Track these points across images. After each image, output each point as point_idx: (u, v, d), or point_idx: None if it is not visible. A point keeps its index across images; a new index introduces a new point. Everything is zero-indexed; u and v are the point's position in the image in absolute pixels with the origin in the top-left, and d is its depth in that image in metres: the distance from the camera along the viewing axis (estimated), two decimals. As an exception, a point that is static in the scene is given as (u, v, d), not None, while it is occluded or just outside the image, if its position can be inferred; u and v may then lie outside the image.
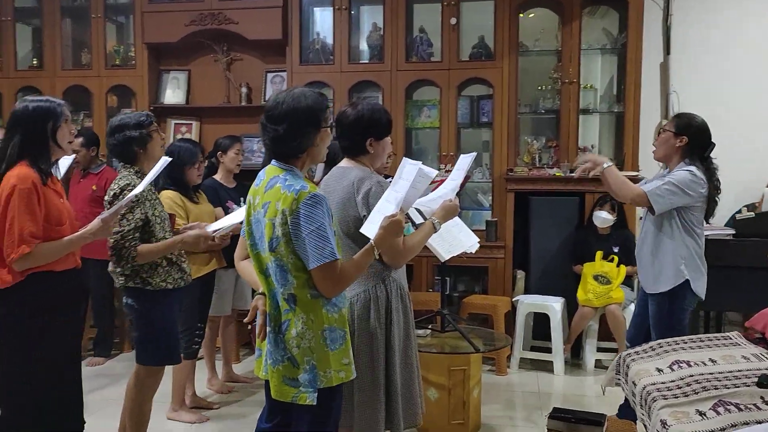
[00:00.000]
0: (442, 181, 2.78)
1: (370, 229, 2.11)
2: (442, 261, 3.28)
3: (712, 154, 3.10)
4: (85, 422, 2.63)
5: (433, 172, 2.26)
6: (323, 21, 5.29)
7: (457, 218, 3.42)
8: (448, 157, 4.94)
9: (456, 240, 3.31)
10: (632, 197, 3.06)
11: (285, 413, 2.11)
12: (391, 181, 2.33)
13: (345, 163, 2.45)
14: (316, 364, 1.97)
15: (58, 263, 2.41)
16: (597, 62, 5.19)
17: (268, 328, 2.04)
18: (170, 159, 2.83)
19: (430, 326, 3.55)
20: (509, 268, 4.83)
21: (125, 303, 2.89)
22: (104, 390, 4.02)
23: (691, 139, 3.03)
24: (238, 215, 3.28)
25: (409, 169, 2.20)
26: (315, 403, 1.96)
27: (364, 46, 5.30)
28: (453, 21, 4.93)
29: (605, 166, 3.10)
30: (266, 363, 2.05)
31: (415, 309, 4.43)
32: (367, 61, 5.23)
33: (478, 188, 5.20)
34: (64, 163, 3.92)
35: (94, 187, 4.54)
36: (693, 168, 2.99)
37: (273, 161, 2.05)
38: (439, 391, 3.36)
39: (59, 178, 2.71)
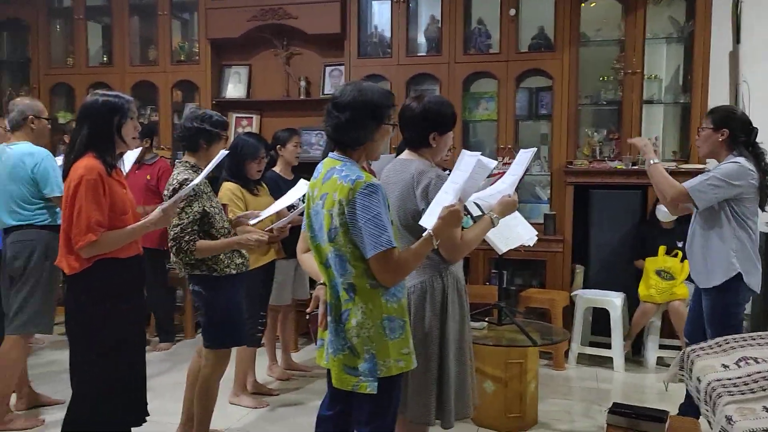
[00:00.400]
0: (501, 174, 2.76)
1: (429, 220, 2.12)
2: (500, 254, 3.27)
3: (758, 140, 3.01)
4: (147, 404, 2.72)
5: (492, 163, 2.24)
6: (381, 14, 5.32)
7: (515, 211, 3.40)
8: (505, 150, 4.91)
9: (514, 233, 3.30)
10: (673, 195, 3.00)
11: (346, 401, 2.14)
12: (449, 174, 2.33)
13: (406, 155, 2.46)
14: (376, 353, 2.00)
15: (122, 250, 2.50)
16: (662, 52, 5.04)
17: (328, 318, 2.07)
18: (228, 152, 2.91)
19: (486, 319, 3.54)
20: (568, 262, 4.76)
21: (192, 290, 3.00)
22: (167, 374, 4.17)
23: (732, 131, 2.98)
24: (284, 201, 3.35)
25: (467, 160, 2.19)
26: (375, 392, 1.99)
27: (421, 38, 5.30)
28: (512, 12, 4.88)
29: (652, 162, 3.06)
30: (327, 352, 2.08)
31: (471, 302, 4.45)
32: (424, 54, 5.22)
33: (536, 181, 5.14)
34: (130, 156, 4.10)
35: (148, 177, 4.69)
36: (740, 159, 2.93)
37: (330, 153, 2.09)
38: (496, 384, 3.35)
39: (124, 170, 2.84)
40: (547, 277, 4.80)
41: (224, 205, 3.21)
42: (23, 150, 3.35)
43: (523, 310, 4.45)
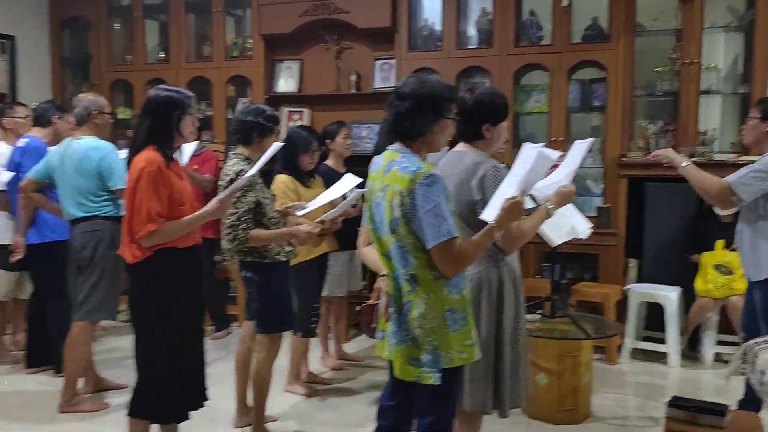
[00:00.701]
0: (556, 166, 2.75)
1: (491, 213, 2.12)
2: (553, 246, 3.26)
3: None
4: (206, 388, 2.80)
5: (555, 154, 2.24)
6: (432, 7, 5.32)
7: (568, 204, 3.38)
8: (557, 143, 4.85)
9: (568, 225, 3.28)
10: (716, 191, 2.94)
11: (407, 392, 2.17)
12: (506, 167, 2.34)
13: (461, 147, 2.46)
14: (438, 345, 2.01)
15: (181, 240, 2.58)
16: (720, 41, 4.90)
17: (390, 309, 2.11)
18: (282, 144, 2.98)
19: (539, 312, 3.54)
20: (621, 256, 4.69)
21: (244, 276, 3.09)
22: (222, 362, 4.27)
23: None
24: (329, 195, 3.40)
25: (529, 152, 2.19)
26: (439, 383, 2.01)
27: (472, 31, 5.28)
28: (565, 3, 4.81)
29: (683, 165, 3.02)
30: (390, 343, 2.11)
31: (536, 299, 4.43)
32: (475, 47, 5.20)
33: (588, 174, 5.07)
34: (188, 149, 4.22)
35: (196, 167, 4.80)
36: None
37: (389, 146, 2.12)
38: (549, 377, 3.34)
39: (182, 163, 2.92)
40: (600, 271, 4.74)
41: (273, 196, 3.29)
42: (89, 144, 3.48)
43: (574, 304, 4.42)
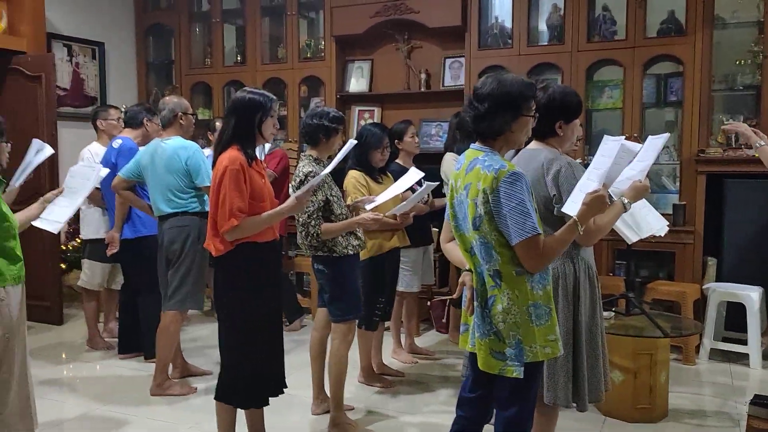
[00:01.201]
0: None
1: (572, 207, 2.15)
2: (629, 243, 3.24)
3: None
4: (285, 376, 2.93)
5: (636, 147, 2.24)
6: (502, 5, 5.33)
7: (645, 201, 3.36)
8: (631, 139, 4.76)
9: (644, 222, 3.26)
10: None
11: (488, 385, 2.21)
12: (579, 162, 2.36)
13: (534, 145, 2.50)
14: (522, 339, 2.06)
15: (261, 235, 2.71)
16: (805, 32, 4.72)
17: (474, 303, 2.17)
18: (356, 142, 3.08)
19: (613, 309, 3.52)
20: (699, 254, 4.58)
21: (315, 269, 3.22)
22: (297, 352, 4.40)
23: None
24: (396, 189, 3.47)
25: (611, 145, 2.20)
26: (522, 377, 2.06)
27: (543, 27, 5.26)
28: (640, -3, 4.74)
29: (758, 144, 2.93)
30: (473, 336, 2.17)
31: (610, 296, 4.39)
32: (546, 43, 5.19)
33: (663, 171, 4.97)
34: (265, 147, 4.37)
35: (265, 164, 4.95)
36: None
37: (472, 144, 2.18)
38: (624, 374, 3.33)
39: (261, 160, 3.06)
40: (677, 269, 4.65)
41: (342, 192, 3.40)
42: (176, 144, 3.69)
43: (650, 302, 4.35)
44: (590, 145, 4.99)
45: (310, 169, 3.08)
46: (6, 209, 2.61)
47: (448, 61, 5.52)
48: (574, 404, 2.42)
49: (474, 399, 2.27)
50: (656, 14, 4.84)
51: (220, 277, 2.75)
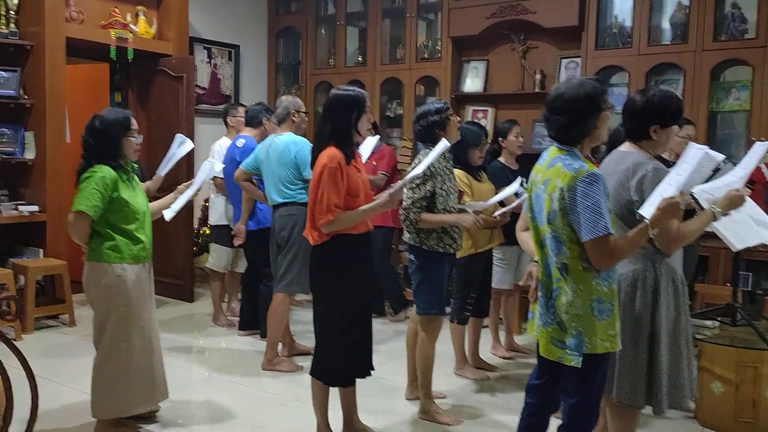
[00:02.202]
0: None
1: (648, 210, 2.16)
2: (734, 251, 3.11)
3: None
4: (372, 359, 3.08)
5: (720, 156, 2.21)
6: (623, 3, 5.21)
7: (755, 206, 3.21)
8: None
9: (753, 230, 3.11)
10: None
11: (552, 372, 2.29)
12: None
13: (626, 147, 2.51)
14: (583, 331, 2.12)
15: (354, 228, 2.88)
16: None
17: (539, 293, 2.25)
18: (448, 144, 3.15)
19: (719, 319, 3.40)
20: (829, 269, 4.28)
21: (408, 258, 3.37)
22: (397, 341, 4.61)
23: None
24: (502, 195, 3.54)
25: (694, 153, 2.19)
26: (579, 366, 2.12)
27: (665, 26, 5.09)
28: (774, -8, 4.48)
29: None
30: (537, 323, 2.27)
31: (708, 302, 4.23)
32: (668, 43, 5.02)
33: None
34: (368, 145, 4.58)
35: (374, 163, 5.12)
36: None
37: (554, 143, 2.24)
38: (725, 386, 3.21)
39: (364, 158, 3.22)
40: (802, 283, 4.37)
41: (461, 192, 3.50)
42: (288, 139, 3.99)
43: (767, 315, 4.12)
44: (713, 148, 4.75)
45: (423, 159, 3.15)
46: (126, 196, 2.97)
47: (564, 62, 5.48)
48: (649, 406, 2.41)
49: (539, 385, 2.35)
50: (792, 11, 4.55)
51: (315, 264, 2.96)
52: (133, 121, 3.05)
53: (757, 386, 3.17)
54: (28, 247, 5.11)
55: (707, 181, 2.49)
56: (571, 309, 2.14)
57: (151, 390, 3.13)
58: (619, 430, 2.52)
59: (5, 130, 5.00)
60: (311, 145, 3.12)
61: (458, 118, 3.49)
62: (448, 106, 3.38)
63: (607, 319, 2.14)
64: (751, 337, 3.21)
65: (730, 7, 4.79)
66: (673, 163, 2.42)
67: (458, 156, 3.75)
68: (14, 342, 2.70)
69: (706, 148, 2.17)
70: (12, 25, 4.95)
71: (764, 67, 4.54)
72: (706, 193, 2.47)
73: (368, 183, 3.04)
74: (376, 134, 5.19)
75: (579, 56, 5.30)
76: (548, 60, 5.54)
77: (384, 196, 2.88)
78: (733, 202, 2.32)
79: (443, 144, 3.02)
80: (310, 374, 3.02)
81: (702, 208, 2.76)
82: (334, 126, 2.88)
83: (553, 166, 2.18)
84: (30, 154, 5.04)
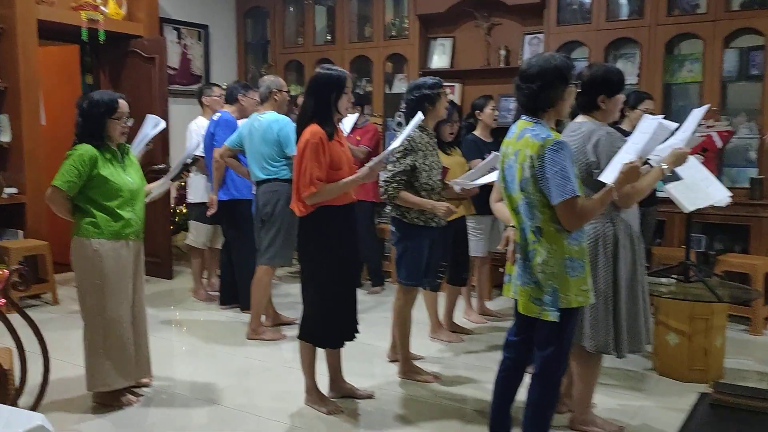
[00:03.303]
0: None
1: (609, 176, 2.40)
2: (686, 212, 3.39)
3: None
4: (358, 326, 3.26)
5: (672, 125, 2.45)
6: (582, -20, 5.42)
7: (707, 172, 3.50)
8: (710, 113, 4.81)
9: (703, 193, 3.39)
10: None
11: (529, 329, 2.51)
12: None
13: (580, 118, 2.74)
14: (558, 287, 2.33)
15: (338, 199, 3.05)
16: None
17: (517, 256, 2.46)
18: (422, 117, 3.29)
19: (674, 276, 3.68)
20: (775, 229, 4.60)
21: (390, 230, 3.56)
22: (376, 311, 4.82)
23: None
24: (488, 178, 3.72)
25: (649, 123, 2.44)
26: (557, 321, 2.35)
27: (622, 2, 5.31)
28: (723, -31, 4.73)
29: None
30: (515, 284, 2.48)
31: (664, 262, 4.52)
32: (625, 18, 5.25)
33: (745, 145, 4.96)
34: (349, 121, 4.76)
35: (358, 138, 5.29)
36: None
37: (522, 116, 2.44)
38: (679, 337, 3.50)
39: (344, 133, 3.35)
40: (752, 243, 4.68)
41: (445, 168, 3.66)
42: (271, 118, 4.13)
43: (720, 274, 4.43)
44: (668, 117, 5.02)
45: (412, 135, 3.34)
46: (107, 173, 3.05)
47: (528, 38, 5.67)
48: (614, 352, 2.67)
49: (517, 342, 2.57)
50: (740, -13, 4.82)
51: (302, 234, 3.13)
52: (121, 104, 3.12)
53: (708, 336, 3.46)
54: (7, 229, 5.16)
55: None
56: (546, 268, 2.34)
57: (130, 366, 3.20)
58: (587, 376, 2.79)
59: (-22, 113, 5.02)
60: (293, 123, 3.24)
61: (447, 98, 3.62)
62: (441, 84, 3.53)
63: (579, 275, 2.36)
64: (702, 292, 3.49)
65: (682, -17, 5.04)
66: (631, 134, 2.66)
67: None
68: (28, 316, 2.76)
69: (659, 118, 2.40)
70: (-19, 8, 4.95)
71: (714, 41, 4.80)
72: (655, 154, 2.73)
73: (351, 157, 3.19)
74: (362, 112, 5.36)
75: (542, 32, 5.49)
76: (512, 36, 5.73)
77: (364, 169, 3.03)
78: (677, 159, 2.61)
79: (418, 118, 3.18)
80: (299, 337, 3.20)
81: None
82: (316, 104, 3.03)
83: (522, 137, 2.37)
84: (6, 137, 5.07)
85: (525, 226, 2.41)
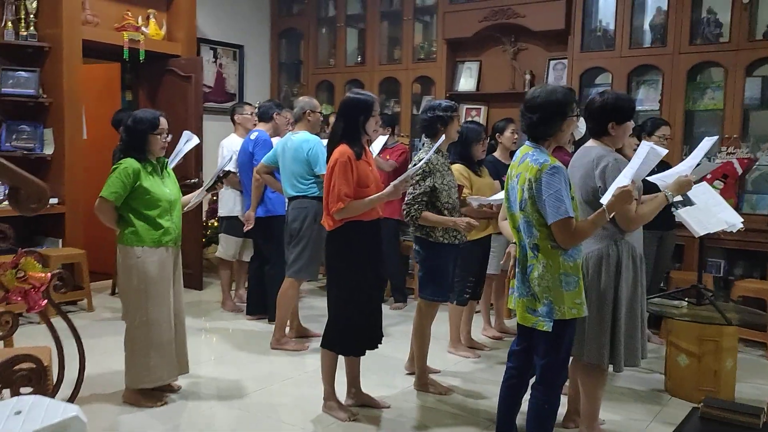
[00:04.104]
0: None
1: (606, 198, 2.55)
2: (697, 236, 3.48)
3: None
4: (383, 336, 3.43)
5: (663, 151, 2.58)
6: (606, 8, 5.55)
7: (719, 198, 3.60)
8: (730, 140, 4.90)
9: (714, 218, 3.48)
10: None
11: (529, 338, 2.65)
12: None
13: (590, 143, 2.89)
14: (553, 300, 2.48)
15: (365, 215, 3.22)
16: None
17: (517, 269, 2.62)
18: (443, 138, 3.49)
19: (686, 299, 3.75)
20: (793, 256, 4.64)
21: (414, 249, 3.71)
22: (399, 326, 4.96)
23: None
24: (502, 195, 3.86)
25: (643, 148, 2.58)
26: (550, 331, 2.49)
27: (646, 30, 5.43)
28: (745, 0, 4.82)
29: None
30: (515, 296, 2.64)
31: (680, 287, 4.58)
32: (648, 46, 5.36)
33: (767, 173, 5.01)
34: (379, 142, 4.95)
35: (387, 158, 5.47)
36: None
37: (526, 142, 2.60)
38: (689, 358, 3.57)
39: (374, 154, 3.52)
40: (769, 270, 4.72)
41: (459, 186, 3.82)
42: (302, 138, 4.32)
43: (736, 299, 4.48)
44: (689, 145, 5.11)
45: (423, 156, 3.52)
46: (148, 185, 3.31)
47: (552, 63, 5.82)
48: (611, 365, 2.80)
49: (520, 351, 2.73)
50: (763, 17, 4.89)
51: (330, 247, 3.31)
52: (162, 122, 3.40)
53: (718, 358, 3.53)
54: (47, 238, 5.43)
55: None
56: (542, 282, 2.49)
57: (172, 364, 3.48)
58: (590, 388, 2.90)
59: (25, 127, 5.32)
60: (323, 143, 3.43)
61: (460, 121, 3.79)
62: (456, 108, 3.71)
63: (573, 289, 2.50)
64: (713, 314, 3.56)
65: (705, 12, 5.13)
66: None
67: (462, 152, 4.07)
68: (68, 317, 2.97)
69: (651, 144, 2.54)
70: (31, 28, 5.25)
71: (736, 69, 4.88)
72: (661, 180, 2.85)
73: (378, 176, 3.36)
74: (392, 133, 5.55)
75: (566, 58, 5.63)
76: (537, 61, 5.88)
77: (389, 187, 3.21)
78: (681, 186, 2.75)
79: (441, 139, 3.35)
80: (321, 346, 3.36)
81: (688, 203, 3.14)
82: (345, 126, 3.24)
83: (524, 161, 2.54)
84: (49, 150, 5.36)
85: (525, 242, 2.56)
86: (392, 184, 3.23)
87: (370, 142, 4.11)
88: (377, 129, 3.39)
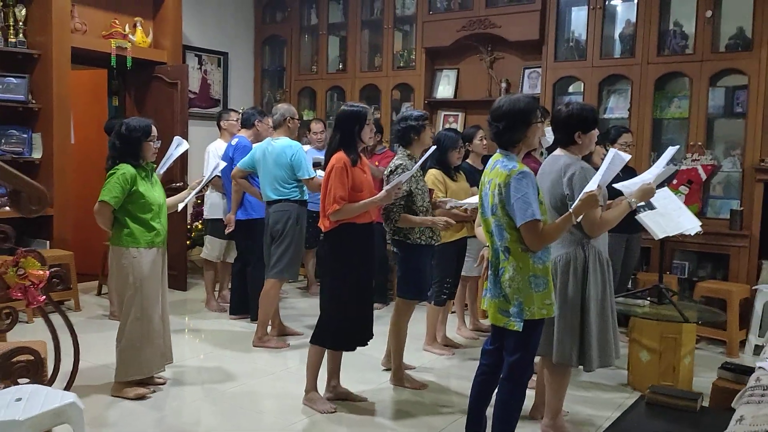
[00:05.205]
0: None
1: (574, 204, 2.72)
2: (656, 239, 3.69)
3: None
4: (373, 336, 3.61)
5: (626, 157, 2.77)
6: (578, 20, 5.78)
7: (679, 203, 3.82)
8: (695, 147, 5.14)
9: (674, 222, 3.70)
10: None
11: (501, 338, 2.82)
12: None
13: (558, 151, 3.06)
14: (523, 301, 2.64)
15: (359, 218, 3.42)
16: None
17: (489, 272, 2.78)
18: (435, 147, 3.70)
19: (649, 298, 3.97)
20: (754, 258, 4.87)
21: (393, 251, 3.88)
22: (379, 325, 5.11)
23: None
24: (476, 199, 4.06)
25: (609, 155, 2.76)
26: (521, 330, 2.65)
27: (616, 40, 5.66)
28: (708, 14, 5.07)
29: None
30: (487, 297, 2.79)
31: (646, 288, 4.79)
32: (618, 56, 5.59)
33: (728, 178, 5.24)
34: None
35: (376, 164, 5.64)
36: None
37: (498, 149, 2.78)
38: (651, 354, 3.78)
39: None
40: (731, 271, 4.95)
41: (430, 190, 4.01)
42: (285, 143, 4.49)
43: (699, 298, 4.71)
44: (656, 152, 5.35)
45: (401, 162, 3.73)
46: (143, 189, 3.50)
47: (527, 71, 6.03)
48: (581, 365, 2.97)
49: (492, 350, 2.88)
50: (726, 30, 5.14)
51: (325, 247, 3.49)
52: (153, 129, 3.59)
53: (677, 354, 3.74)
54: (35, 239, 5.54)
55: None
56: (513, 283, 2.64)
57: (161, 355, 3.68)
58: (556, 384, 3.08)
59: (14, 131, 5.43)
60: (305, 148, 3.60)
61: (433, 129, 3.98)
62: (426, 117, 3.91)
63: (543, 290, 2.66)
64: (673, 313, 3.77)
65: (672, 25, 5.38)
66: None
67: (438, 159, 4.26)
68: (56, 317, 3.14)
69: (615, 150, 2.72)
70: (21, 35, 5.37)
71: (701, 80, 5.12)
72: (626, 188, 3.04)
73: (372, 183, 3.54)
74: (381, 140, 5.73)
75: (540, 67, 5.85)
76: (513, 70, 6.09)
77: (382, 192, 3.43)
78: (645, 194, 2.92)
79: (432, 149, 3.57)
80: (311, 342, 3.55)
81: (651, 207, 3.33)
82: (342, 136, 3.44)
83: (494, 168, 2.71)
84: (37, 154, 5.48)
85: (497, 246, 2.73)
86: (385, 188, 3.46)
87: (366, 148, 4.34)
88: (372, 136, 3.59)
